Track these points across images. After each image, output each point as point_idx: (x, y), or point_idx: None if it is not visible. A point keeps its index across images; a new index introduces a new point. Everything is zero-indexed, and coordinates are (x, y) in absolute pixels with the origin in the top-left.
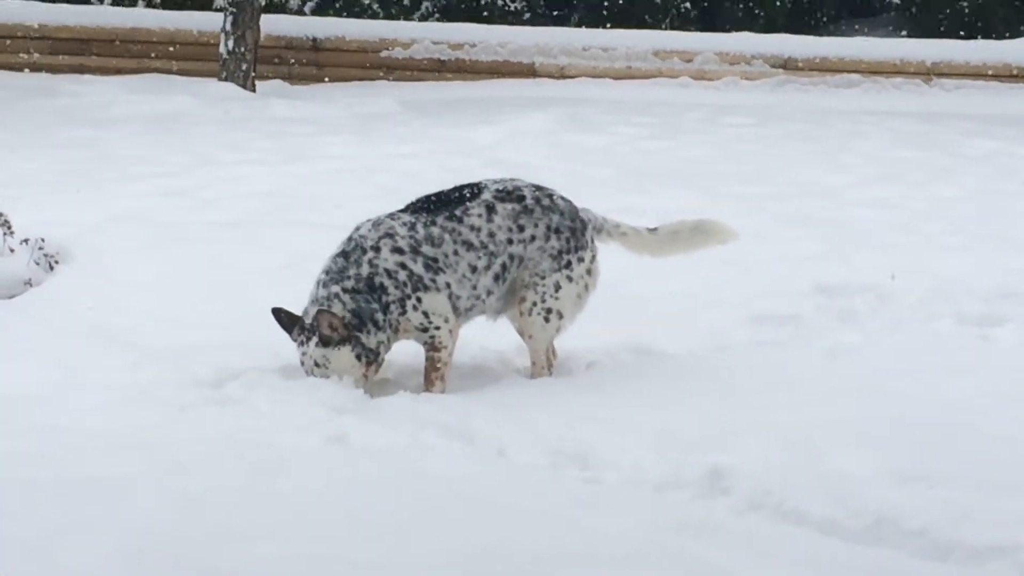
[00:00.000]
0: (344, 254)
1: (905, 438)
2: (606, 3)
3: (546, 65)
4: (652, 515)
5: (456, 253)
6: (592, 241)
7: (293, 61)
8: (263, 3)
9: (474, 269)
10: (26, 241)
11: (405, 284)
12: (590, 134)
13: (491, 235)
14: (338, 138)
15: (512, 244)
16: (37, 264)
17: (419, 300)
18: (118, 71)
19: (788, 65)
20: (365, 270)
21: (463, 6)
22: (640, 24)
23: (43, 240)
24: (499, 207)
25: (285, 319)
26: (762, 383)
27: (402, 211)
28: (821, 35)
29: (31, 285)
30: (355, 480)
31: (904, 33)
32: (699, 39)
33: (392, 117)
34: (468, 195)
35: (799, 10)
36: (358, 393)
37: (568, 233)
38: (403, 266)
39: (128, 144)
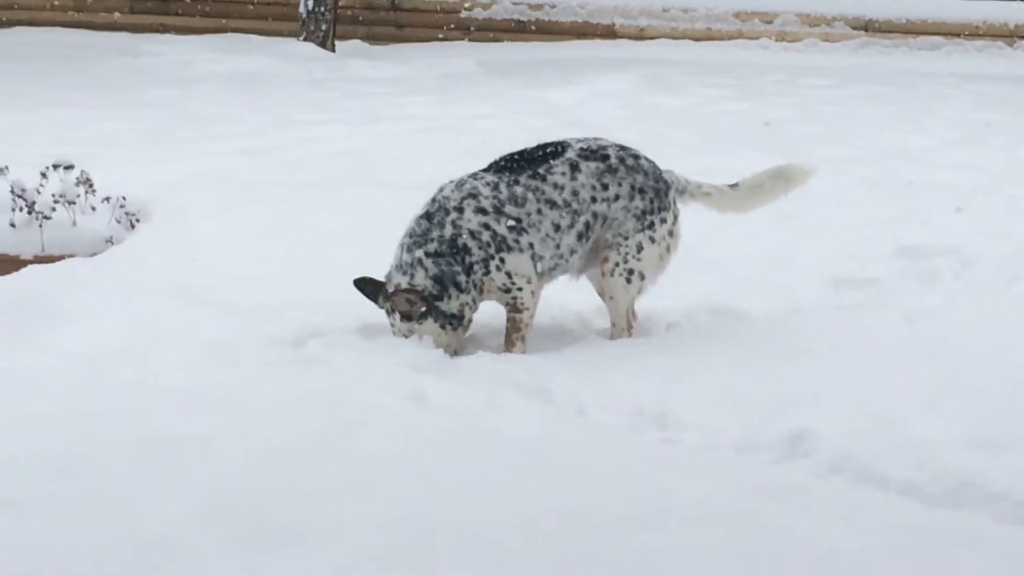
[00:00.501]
0: (428, 215)
1: (986, 403)
2: None
3: (626, 26)
4: (731, 477)
5: (540, 212)
6: (675, 202)
7: (373, 21)
8: None
9: (557, 228)
10: (107, 199)
11: (489, 244)
12: (669, 95)
13: (575, 193)
14: (418, 98)
15: (596, 203)
16: (118, 222)
17: (502, 261)
18: (198, 31)
19: (869, 27)
20: (448, 231)
21: None
22: None
23: (124, 199)
24: (583, 165)
25: (370, 289)
26: (842, 347)
27: (485, 170)
28: None
29: (112, 243)
30: (433, 440)
31: None
32: (780, 0)
33: (471, 77)
34: (552, 153)
35: None
36: (437, 353)
37: (652, 193)
38: (487, 226)
39: (208, 104)
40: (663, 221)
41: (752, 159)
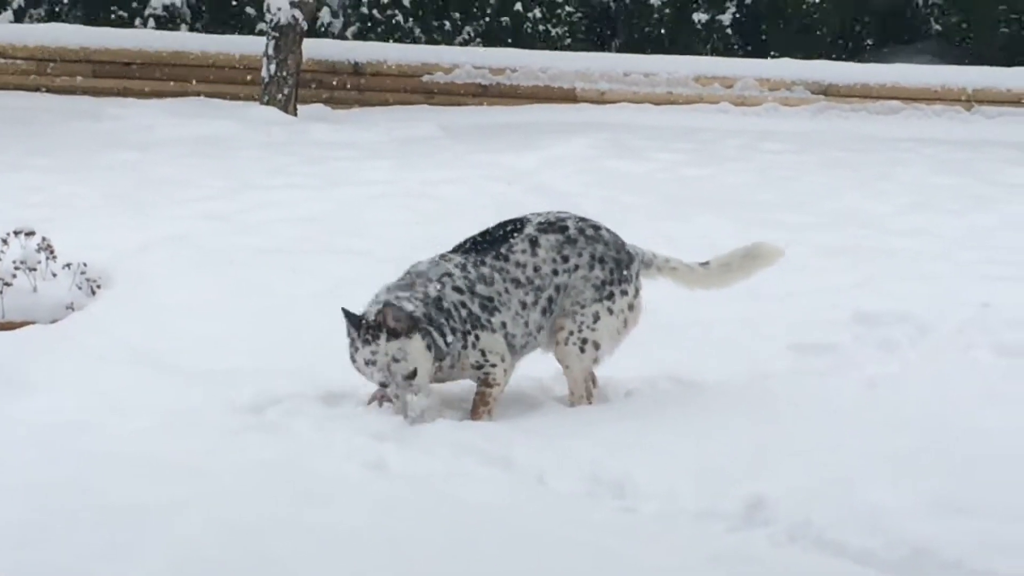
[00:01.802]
0: (407, 284)
1: (943, 469)
2: (647, 28)
3: (587, 90)
4: (689, 545)
5: (507, 291)
6: (637, 276)
7: (335, 85)
8: (305, 27)
9: (524, 305)
10: (68, 266)
11: (465, 321)
12: (630, 160)
13: (536, 269)
14: (379, 163)
15: (558, 275)
16: (79, 288)
17: (477, 338)
18: (161, 95)
19: (828, 91)
20: (433, 292)
21: (504, 31)
22: (681, 50)
23: (85, 265)
24: (542, 239)
25: (352, 317)
26: (801, 413)
27: (452, 252)
28: (861, 61)
29: (73, 309)
30: (395, 508)
31: (945, 60)
32: (740, 65)
33: (433, 142)
34: (512, 231)
35: (840, 36)
36: (398, 420)
37: (612, 264)
38: (463, 304)
39: (170, 168)
40: (623, 293)
41: (712, 225)
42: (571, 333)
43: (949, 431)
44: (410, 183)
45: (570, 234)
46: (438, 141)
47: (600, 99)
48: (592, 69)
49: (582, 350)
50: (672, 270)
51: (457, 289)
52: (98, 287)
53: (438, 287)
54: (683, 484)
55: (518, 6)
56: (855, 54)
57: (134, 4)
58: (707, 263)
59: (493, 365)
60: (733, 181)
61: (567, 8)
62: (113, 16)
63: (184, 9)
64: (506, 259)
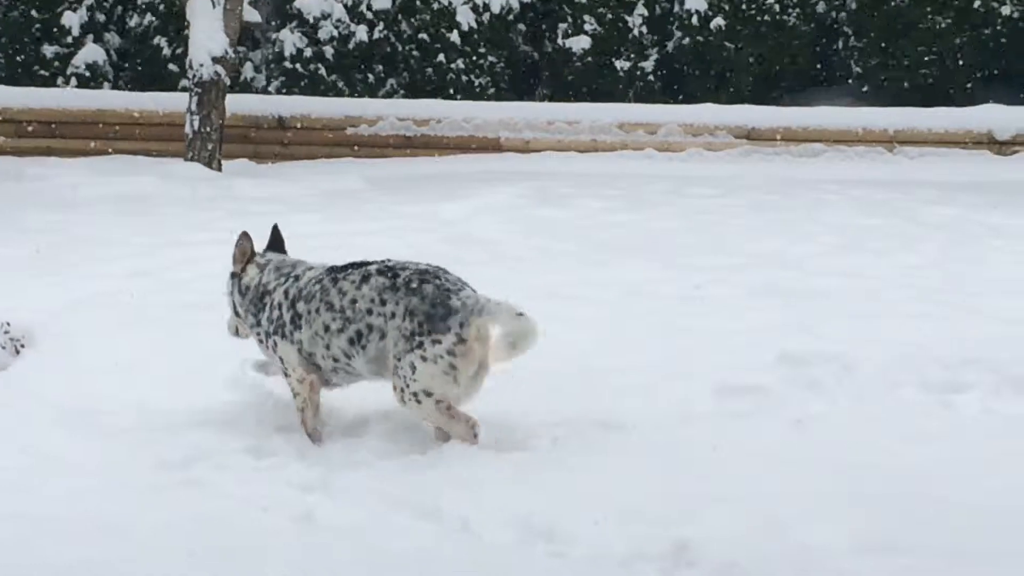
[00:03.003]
0: (290, 263)
1: (869, 508)
2: (570, 77)
3: (511, 139)
4: None
5: (318, 311)
6: (462, 326)
7: (259, 139)
8: (228, 83)
9: (327, 329)
10: None
11: (273, 322)
12: (556, 207)
13: (353, 301)
14: (304, 216)
15: (371, 315)
16: (3, 348)
17: (275, 344)
18: (84, 153)
19: (751, 135)
20: (271, 283)
21: (428, 83)
22: (604, 98)
23: (8, 324)
24: (373, 280)
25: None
26: (727, 455)
27: (328, 267)
28: (784, 105)
29: None
30: (322, 561)
31: (865, 103)
32: (663, 111)
33: (358, 194)
34: (361, 264)
35: (761, 81)
36: (324, 471)
37: (423, 317)
38: (279, 307)
39: (95, 226)
40: (435, 343)
41: (639, 268)
42: (402, 391)
43: (876, 470)
44: (335, 236)
45: (397, 283)
46: (363, 193)
47: (525, 148)
48: (516, 118)
49: (418, 402)
50: (497, 314)
51: (285, 294)
52: (22, 346)
53: (277, 282)
54: (611, 528)
55: (440, 57)
56: (777, 98)
57: (56, 63)
58: (522, 314)
59: (288, 375)
60: (659, 226)
61: (490, 58)
62: (35, 76)
63: (106, 67)
64: (335, 283)
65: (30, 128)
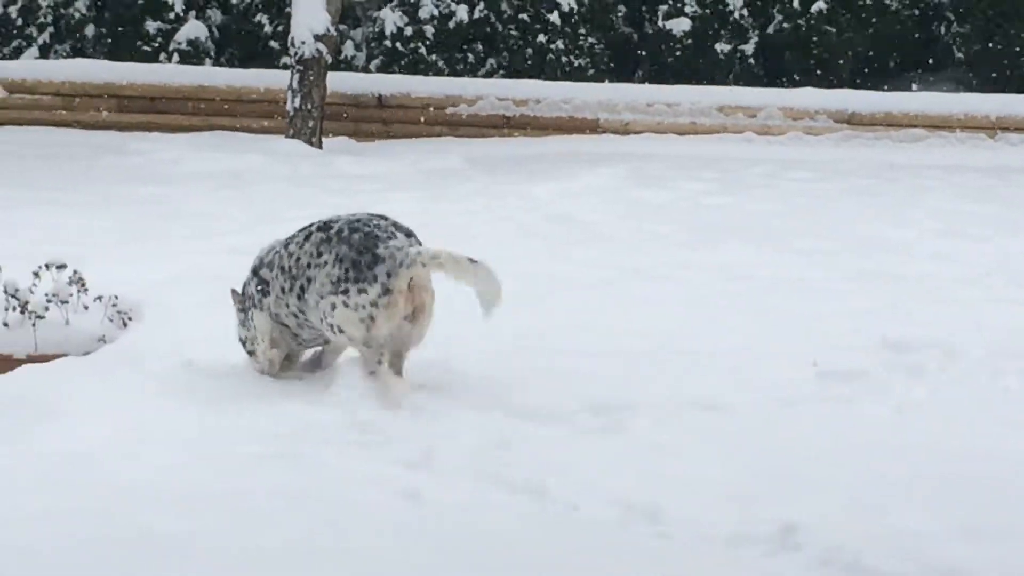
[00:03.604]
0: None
1: (973, 494)
2: (670, 59)
3: (610, 121)
4: (723, 571)
5: (276, 277)
6: (388, 276)
7: (359, 118)
8: (329, 61)
9: (283, 290)
10: (99, 298)
11: (249, 298)
12: (654, 189)
13: (297, 260)
14: (404, 194)
15: (310, 268)
16: (111, 321)
17: (251, 316)
18: (186, 129)
19: (852, 120)
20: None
21: (528, 63)
22: (704, 80)
23: (116, 297)
24: (313, 235)
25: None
26: (830, 439)
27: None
28: (885, 90)
29: (104, 342)
30: (426, 537)
31: (967, 88)
32: (763, 94)
33: (458, 173)
34: (309, 225)
35: (863, 65)
36: (427, 448)
37: (349, 264)
38: (247, 284)
39: (196, 201)
40: (361, 292)
41: (737, 252)
42: (321, 320)
43: (979, 457)
44: (436, 214)
45: (330, 234)
46: (463, 172)
47: (624, 129)
48: (615, 100)
49: (333, 333)
50: (439, 265)
51: (252, 270)
52: (129, 319)
53: (256, 265)
54: (715, 510)
55: (541, 38)
56: (878, 83)
57: (159, 39)
58: (476, 262)
59: (257, 344)
60: (757, 209)
61: (589, 39)
62: (138, 51)
63: (208, 44)
64: (286, 247)
65: (132, 103)
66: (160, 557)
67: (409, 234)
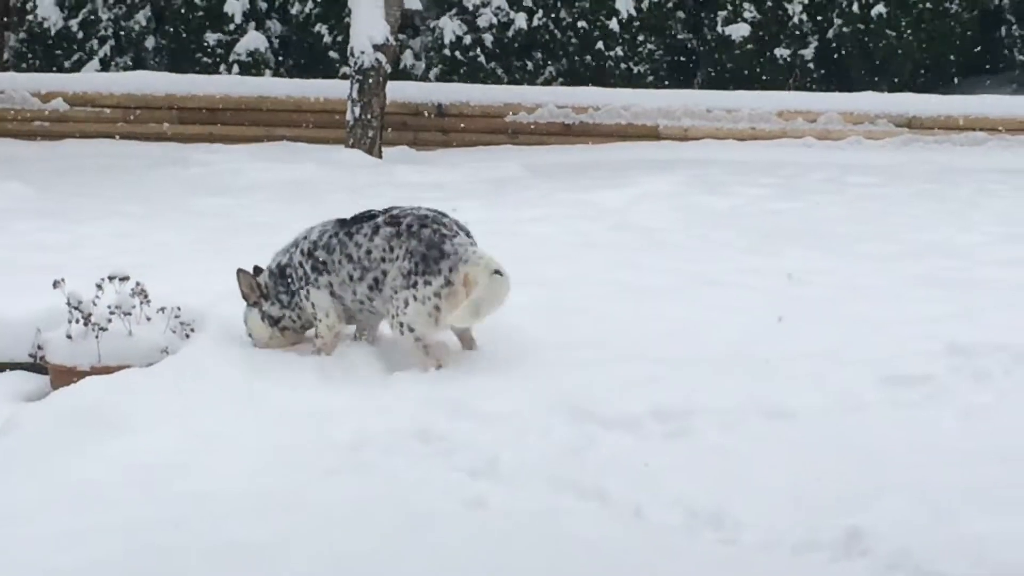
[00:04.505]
0: (286, 247)
1: None
2: (729, 64)
3: (670, 127)
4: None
5: (340, 262)
6: (451, 270)
7: (418, 127)
8: (389, 70)
9: (351, 278)
10: (163, 310)
11: (301, 279)
12: (716, 196)
13: (368, 252)
14: (466, 203)
15: (384, 262)
16: (173, 332)
17: (308, 292)
18: (246, 139)
19: (912, 124)
20: (284, 259)
21: (586, 70)
22: (763, 85)
23: (179, 308)
24: (382, 230)
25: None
26: (896, 445)
27: (335, 220)
28: (945, 93)
29: (168, 353)
30: (495, 544)
31: None
32: (823, 99)
33: (518, 181)
34: (368, 217)
35: (923, 68)
36: (493, 455)
37: (419, 258)
38: (301, 265)
39: (258, 212)
40: (427, 284)
41: (802, 258)
42: (392, 316)
43: None
44: (499, 222)
45: (400, 230)
46: (523, 180)
47: (683, 136)
48: (675, 106)
49: (401, 332)
50: (479, 264)
51: (302, 252)
52: (192, 330)
53: (290, 252)
54: (781, 515)
55: (600, 45)
56: (938, 86)
57: (219, 51)
58: (502, 275)
59: (319, 320)
60: (819, 214)
61: (648, 46)
62: (198, 63)
63: (268, 55)
64: (350, 237)
65: (192, 115)
66: (245, 565)
67: (468, 233)
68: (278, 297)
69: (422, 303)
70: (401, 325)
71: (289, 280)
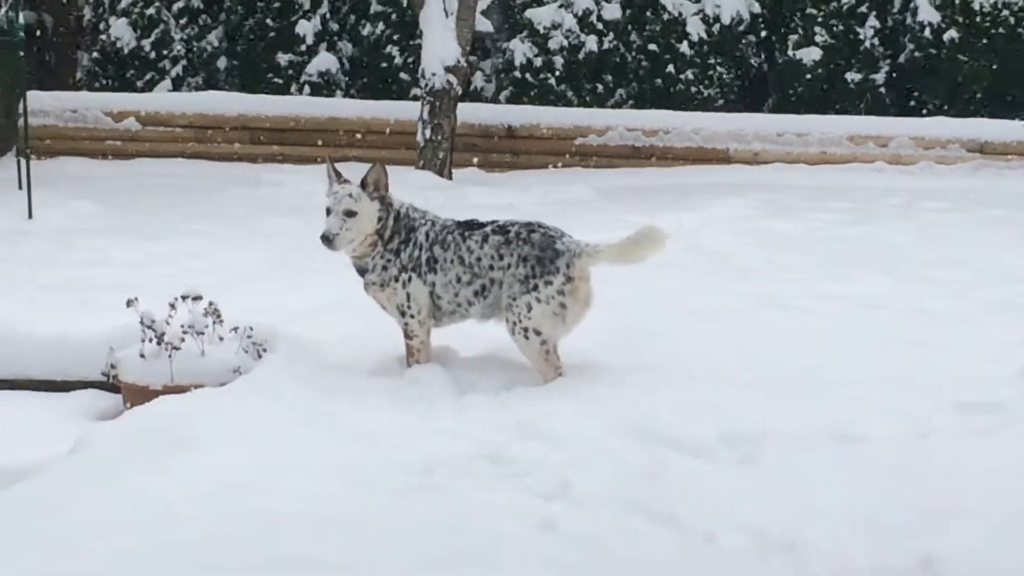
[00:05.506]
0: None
1: None
2: (799, 88)
3: (740, 151)
4: None
5: (451, 263)
6: (568, 267)
7: (488, 148)
8: (460, 92)
9: (458, 280)
10: (235, 329)
11: (412, 260)
12: (786, 220)
13: (478, 259)
14: None
15: (493, 270)
16: (246, 352)
17: (409, 279)
18: (314, 160)
19: (984, 149)
20: (413, 215)
21: (656, 93)
22: (834, 110)
23: (251, 328)
24: (491, 239)
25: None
26: (969, 470)
27: (453, 220)
28: (1018, 119)
29: (240, 373)
30: (565, 569)
31: None
32: (894, 124)
33: (588, 204)
34: (480, 225)
35: (995, 94)
36: (566, 480)
37: (534, 261)
38: (421, 248)
39: None
40: (548, 283)
41: (872, 281)
42: (514, 324)
43: None
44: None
45: (509, 238)
46: (594, 203)
47: (753, 159)
48: (745, 130)
49: (526, 337)
50: (598, 254)
51: (427, 235)
52: (264, 350)
53: (416, 217)
54: (853, 541)
55: (670, 68)
56: (1011, 112)
57: (290, 71)
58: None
59: (412, 316)
60: (892, 239)
61: (719, 69)
62: (269, 83)
63: (339, 76)
64: (464, 240)
65: (263, 135)
66: None
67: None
68: (393, 236)
69: (546, 303)
70: (526, 331)
71: (409, 242)
